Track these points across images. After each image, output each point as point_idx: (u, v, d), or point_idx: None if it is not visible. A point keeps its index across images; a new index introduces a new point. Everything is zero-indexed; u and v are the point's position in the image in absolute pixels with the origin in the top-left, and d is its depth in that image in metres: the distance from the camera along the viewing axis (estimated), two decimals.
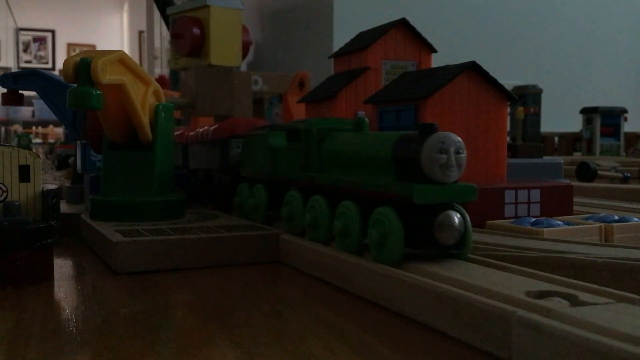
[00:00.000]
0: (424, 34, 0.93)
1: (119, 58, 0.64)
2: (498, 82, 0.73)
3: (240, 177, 0.74)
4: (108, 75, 0.61)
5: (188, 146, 0.92)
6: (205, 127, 0.85)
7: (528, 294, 0.36)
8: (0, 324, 0.41)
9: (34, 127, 4.35)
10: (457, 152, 0.44)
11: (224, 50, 1.34)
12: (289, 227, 0.61)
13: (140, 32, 5.51)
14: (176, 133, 0.92)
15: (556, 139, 2.48)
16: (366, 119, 0.56)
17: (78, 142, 0.85)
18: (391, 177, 0.48)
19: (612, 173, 1.34)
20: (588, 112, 2.23)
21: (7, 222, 0.50)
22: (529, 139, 2.11)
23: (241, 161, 0.74)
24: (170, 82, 2.36)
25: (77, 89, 0.59)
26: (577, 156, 2.08)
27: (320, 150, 0.58)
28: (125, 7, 6.63)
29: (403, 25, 0.92)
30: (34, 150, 1.09)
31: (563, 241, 0.56)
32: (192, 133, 0.90)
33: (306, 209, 0.57)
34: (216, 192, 0.82)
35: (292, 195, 0.60)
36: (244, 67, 2.17)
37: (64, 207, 0.82)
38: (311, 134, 0.59)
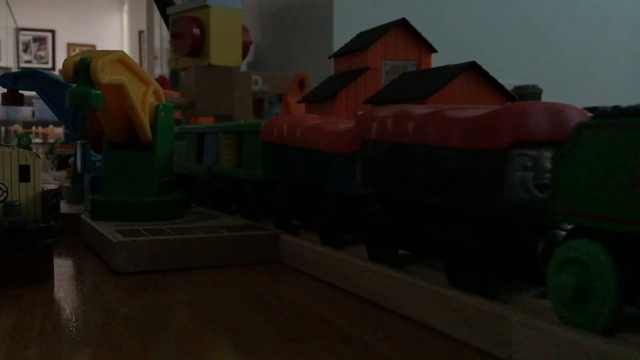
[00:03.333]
0: (424, 34, 0.93)
1: (119, 58, 0.64)
2: (498, 82, 0.73)
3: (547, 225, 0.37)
4: (108, 75, 0.61)
5: (374, 149, 0.47)
6: (414, 122, 0.42)
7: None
8: (0, 324, 0.41)
9: (34, 127, 4.35)
10: None
11: (224, 50, 1.35)
12: None
13: (140, 32, 5.51)
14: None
15: None
16: None
17: (78, 142, 0.85)
18: None
19: None
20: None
21: (7, 222, 0.50)
22: None
23: (553, 192, 0.32)
24: (170, 82, 2.35)
25: (77, 89, 0.59)
26: None
27: None
28: (125, 7, 6.63)
29: (403, 25, 0.92)
30: (34, 150, 1.09)
31: None
32: (376, 124, 0.46)
33: None
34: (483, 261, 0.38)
35: None
36: (244, 67, 2.17)
37: (64, 207, 0.82)
38: None
